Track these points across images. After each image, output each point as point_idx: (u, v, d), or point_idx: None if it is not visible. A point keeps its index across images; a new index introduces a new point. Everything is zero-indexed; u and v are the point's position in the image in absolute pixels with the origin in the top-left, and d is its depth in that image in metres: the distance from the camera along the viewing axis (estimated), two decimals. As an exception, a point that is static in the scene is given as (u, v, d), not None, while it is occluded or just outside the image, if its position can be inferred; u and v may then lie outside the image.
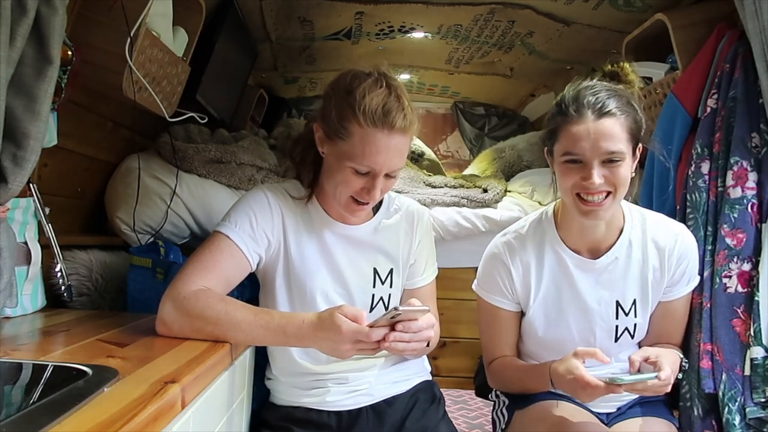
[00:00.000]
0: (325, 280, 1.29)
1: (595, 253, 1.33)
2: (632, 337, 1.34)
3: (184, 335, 1.11)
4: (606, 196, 1.21)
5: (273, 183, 1.36)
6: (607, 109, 1.19)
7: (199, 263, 1.18)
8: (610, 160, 1.19)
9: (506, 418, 1.40)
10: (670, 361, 1.18)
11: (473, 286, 1.44)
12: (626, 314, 1.32)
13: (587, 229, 1.31)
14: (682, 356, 1.32)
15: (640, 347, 1.38)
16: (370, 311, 1.32)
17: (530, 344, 1.40)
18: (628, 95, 1.24)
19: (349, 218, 1.30)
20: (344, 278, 1.30)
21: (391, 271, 1.35)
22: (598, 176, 1.18)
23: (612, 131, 1.18)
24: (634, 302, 1.32)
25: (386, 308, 1.33)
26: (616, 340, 1.33)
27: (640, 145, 1.25)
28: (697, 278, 1.37)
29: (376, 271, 1.33)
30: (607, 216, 1.26)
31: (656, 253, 1.32)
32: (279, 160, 2.20)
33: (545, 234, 1.36)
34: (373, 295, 1.33)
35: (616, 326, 1.32)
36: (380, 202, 1.36)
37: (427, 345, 1.15)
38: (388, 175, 1.19)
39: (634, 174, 1.25)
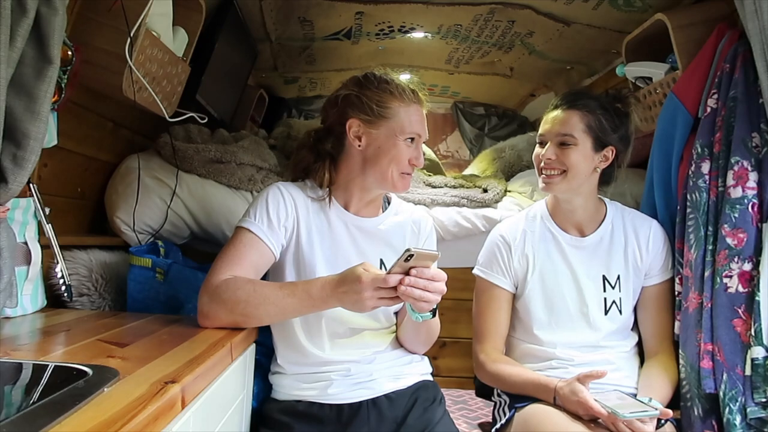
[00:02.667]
0: (333, 267, 1.33)
1: (583, 234, 1.54)
2: (620, 312, 1.49)
3: (221, 322, 1.22)
4: (559, 174, 1.46)
5: (288, 181, 1.45)
6: (574, 103, 1.47)
7: (225, 258, 1.28)
8: (562, 143, 1.46)
9: (506, 416, 1.42)
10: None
11: (474, 271, 1.58)
12: (612, 287, 1.51)
13: (568, 211, 1.54)
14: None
15: (639, 339, 1.54)
16: None
17: (529, 324, 1.51)
18: (604, 102, 1.48)
19: (362, 211, 1.42)
20: (351, 264, 1.32)
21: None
22: (551, 152, 1.47)
23: (570, 119, 1.46)
24: (618, 277, 1.51)
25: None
26: (606, 312, 1.49)
27: (611, 147, 1.48)
28: (672, 272, 1.52)
29: (382, 262, 1.40)
30: (558, 190, 1.49)
31: (635, 237, 1.53)
32: (279, 160, 2.20)
33: (541, 217, 1.58)
34: None
35: (605, 299, 1.50)
36: (389, 202, 1.50)
37: (434, 315, 1.21)
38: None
39: (596, 168, 1.48)
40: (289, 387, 1.37)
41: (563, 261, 1.52)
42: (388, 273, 1.11)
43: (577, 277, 1.51)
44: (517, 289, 1.55)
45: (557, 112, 1.48)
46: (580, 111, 1.46)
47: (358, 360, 1.37)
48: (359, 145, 1.36)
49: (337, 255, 1.37)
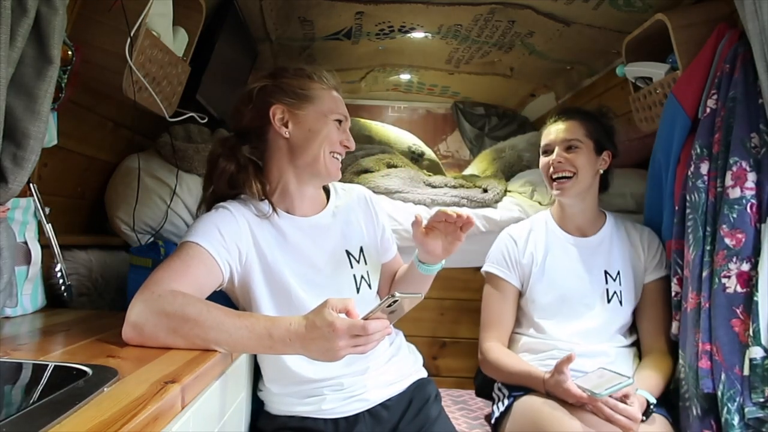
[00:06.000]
0: (305, 276, 1.27)
1: (585, 236, 1.69)
2: (621, 303, 1.61)
3: (157, 339, 1.01)
4: (570, 178, 1.61)
5: (229, 201, 1.30)
6: (572, 115, 1.67)
7: (169, 269, 1.10)
8: (569, 147, 1.63)
9: (505, 406, 1.51)
10: (639, 402, 1.36)
11: (483, 268, 1.72)
12: (614, 280, 1.63)
13: (571, 215, 1.69)
14: (653, 402, 1.41)
15: (634, 328, 1.66)
16: (357, 293, 1.32)
17: (532, 314, 1.63)
18: (597, 115, 1.69)
19: (308, 210, 1.35)
20: (320, 268, 1.30)
21: (361, 249, 1.37)
22: (559, 156, 1.62)
23: (572, 127, 1.64)
24: (619, 272, 1.63)
25: (369, 287, 1.36)
26: (609, 301, 1.61)
27: (608, 151, 1.65)
28: (665, 271, 1.62)
29: (348, 253, 1.35)
30: (572, 194, 1.63)
31: (630, 238, 1.68)
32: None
33: (547, 223, 1.72)
34: (354, 276, 1.33)
35: (607, 289, 1.62)
36: (327, 192, 1.43)
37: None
38: None
39: (598, 171, 1.64)
40: (280, 403, 1.30)
41: (566, 257, 1.65)
42: (367, 318, 0.98)
43: (579, 270, 1.63)
44: (522, 285, 1.66)
45: (559, 124, 1.66)
46: (579, 120, 1.64)
47: (349, 374, 1.28)
48: (286, 132, 1.27)
49: (303, 263, 1.28)
